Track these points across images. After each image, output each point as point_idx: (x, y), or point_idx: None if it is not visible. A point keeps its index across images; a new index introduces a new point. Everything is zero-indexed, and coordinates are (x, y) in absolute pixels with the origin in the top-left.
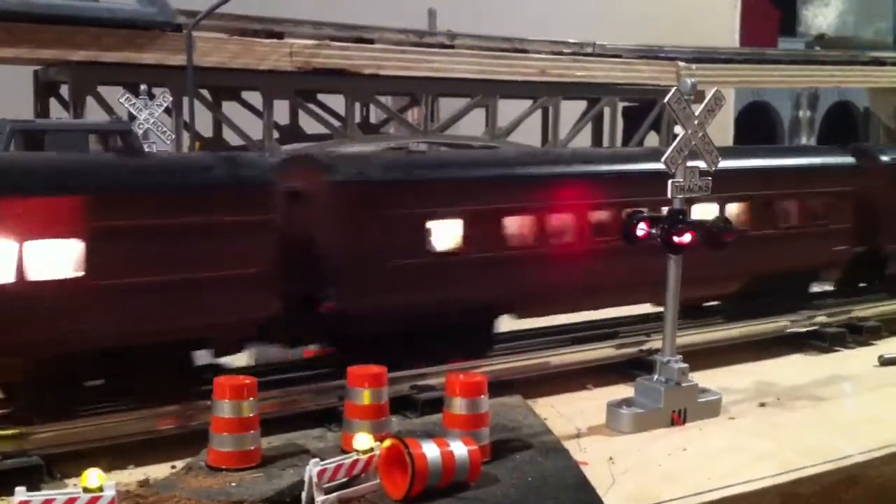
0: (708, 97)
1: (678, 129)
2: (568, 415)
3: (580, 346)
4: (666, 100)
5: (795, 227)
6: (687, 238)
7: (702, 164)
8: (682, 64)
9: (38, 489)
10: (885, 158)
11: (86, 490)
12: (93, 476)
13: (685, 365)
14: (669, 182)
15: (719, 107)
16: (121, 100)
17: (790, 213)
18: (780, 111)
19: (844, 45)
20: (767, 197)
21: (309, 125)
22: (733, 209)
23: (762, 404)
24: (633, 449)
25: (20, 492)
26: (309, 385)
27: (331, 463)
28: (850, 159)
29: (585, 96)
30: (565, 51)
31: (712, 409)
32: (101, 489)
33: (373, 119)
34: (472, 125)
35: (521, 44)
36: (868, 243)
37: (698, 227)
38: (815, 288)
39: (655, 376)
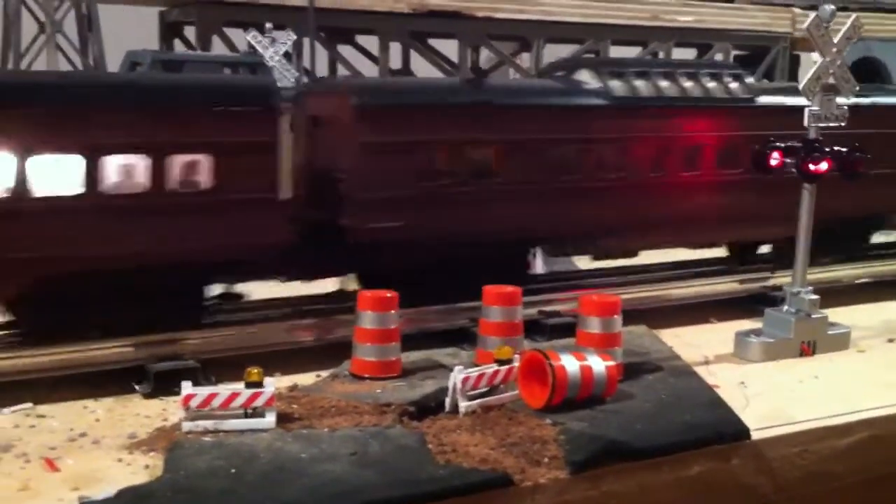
0: (847, 24)
1: (816, 57)
2: (694, 344)
3: (703, 280)
4: (805, 25)
5: None
6: (823, 166)
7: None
8: (797, 10)
9: None
10: None
11: (248, 385)
12: (254, 373)
13: (816, 296)
14: (806, 110)
15: (857, 35)
16: (248, 37)
17: None
18: (891, 68)
19: None
20: None
21: (419, 69)
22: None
23: (891, 340)
24: (763, 375)
25: (186, 386)
26: (438, 306)
27: (474, 371)
28: None
29: (697, 42)
30: None
31: (841, 341)
32: (262, 385)
33: (482, 64)
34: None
35: None
36: None
37: (835, 155)
38: None
39: (785, 307)
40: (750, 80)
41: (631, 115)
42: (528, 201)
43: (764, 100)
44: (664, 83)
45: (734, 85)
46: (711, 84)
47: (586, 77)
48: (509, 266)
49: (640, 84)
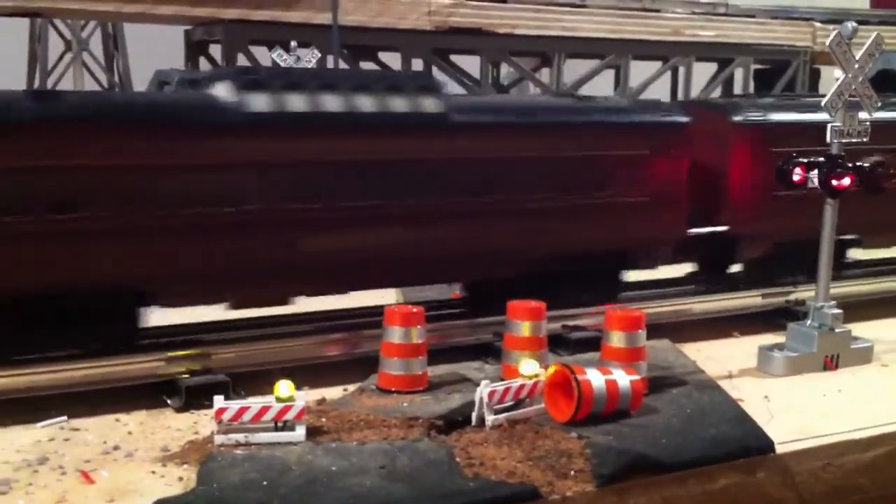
0: (868, 41)
1: (838, 73)
2: (717, 358)
3: (725, 295)
4: (827, 42)
5: None
6: (846, 182)
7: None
8: (817, 24)
9: None
10: None
11: (278, 399)
12: (284, 387)
13: (839, 311)
14: (829, 126)
15: (879, 51)
16: (273, 55)
17: None
18: None
19: None
20: None
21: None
22: None
23: None
24: (787, 389)
25: (218, 400)
26: (463, 321)
27: (500, 385)
28: None
29: (718, 56)
30: (698, 10)
31: (864, 356)
32: (292, 399)
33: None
34: (594, 87)
35: (653, 3)
36: None
37: (857, 171)
38: None
39: (808, 321)
40: (452, 95)
41: (269, 135)
42: (122, 241)
43: (462, 117)
44: (327, 97)
45: (424, 100)
46: (392, 99)
47: (222, 90)
48: (110, 317)
49: (291, 98)
